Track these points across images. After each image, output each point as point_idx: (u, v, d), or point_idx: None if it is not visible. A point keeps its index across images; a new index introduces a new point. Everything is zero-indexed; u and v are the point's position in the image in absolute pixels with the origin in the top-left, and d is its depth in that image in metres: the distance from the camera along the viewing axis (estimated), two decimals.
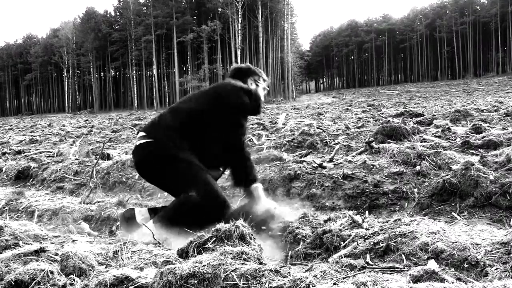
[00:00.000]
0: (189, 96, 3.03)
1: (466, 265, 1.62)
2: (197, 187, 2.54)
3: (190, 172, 2.61)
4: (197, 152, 2.69)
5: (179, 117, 2.75)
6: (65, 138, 11.27)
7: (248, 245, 1.81)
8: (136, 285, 1.55)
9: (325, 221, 2.53)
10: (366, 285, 1.37)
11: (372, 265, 1.75)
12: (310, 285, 1.36)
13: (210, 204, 2.54)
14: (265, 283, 1.40)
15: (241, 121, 2.84)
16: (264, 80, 3.19)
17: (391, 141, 4.69)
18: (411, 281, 1.43)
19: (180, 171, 2.62)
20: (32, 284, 1.56)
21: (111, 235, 3.08)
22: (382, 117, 9.98)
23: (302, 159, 4.23)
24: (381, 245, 1.88)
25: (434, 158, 3.49)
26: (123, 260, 1.96)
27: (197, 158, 2.68)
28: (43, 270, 1.62)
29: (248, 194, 2.88)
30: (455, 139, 4.68)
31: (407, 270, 1.59)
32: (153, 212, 2.85)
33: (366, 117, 10.78)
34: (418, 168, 3.36)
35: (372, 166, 3.52)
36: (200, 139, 2.71)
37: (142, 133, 2.77)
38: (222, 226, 1.92)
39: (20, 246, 2.20)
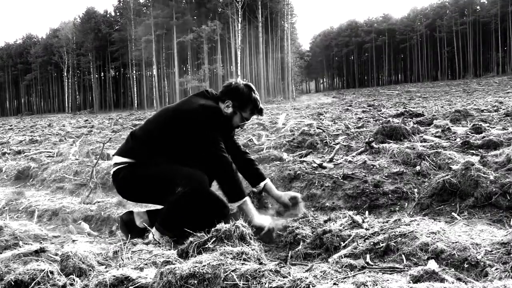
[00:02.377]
0: (157, 114, 2.80)
1: (466, 265, 1.62)
2: (175, 180, 2.52)
3: (163, 172, 2.60)
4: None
5: (146, 133, 2.69)
6: (65, 138, 11.26)
7: (248, 245, 1.81)
8: (136, 285, 1.55)
9: (325, 221, 2.53)
10: (366, 285, 1.37)
11: (372, 265, 1.75)
12: (310, 285, 1.36)
13: (191, 186, 2.50)
14: (265, 283, 1.40)
15: (213, 136, 2.58)
16: (250, 110, 2.74)
17: (391, 141, 4.69)
18: (411, 281, 1.43)
19: (155, 175, 2.60)
20: (32, 284, 1.56)
21: (111, 235, 3.08)
22: (382, 117, 9.97)
23: (302, 159, 4.23)
24: (381, 245, 1.88)
25: (434, 158, 3.49)
26: (123, 260, 1.96)
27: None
28: (43, 270, 1.62)
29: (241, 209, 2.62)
30: (455, 139, 4.68)
31: (407, 270, 1.59)
32: (152, 214, 2.84)
33: (366, 117, 10.78)
34: (418, 168, 3.36)
35: (372, 166, 3.52)
36: (173, 156, 2.65)
37: (116, 158, 2.73)
38: (222, 226, 1.92)
39: (20, 246, 2.20)
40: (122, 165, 2.68)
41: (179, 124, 2.61)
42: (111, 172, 2.76)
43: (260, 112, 2.80)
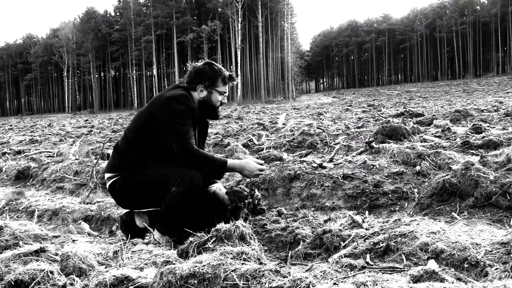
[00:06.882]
0: (133, 120, 2.79)
1: (466, 265, 1.62)
2: (169, 180, 2.52)
3: (156, 175, 2.59)
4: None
5: (127, 142, 2.70)
6: (65, 138, 11.27)
7: (248, 245, 1.81)
8: (136, 285, 1.55)
9: (325, 221, 2.53)
10: (366, 285, 1.37)
11: (372, 265, 1.75)
12: (310, 285, 1.36)
13: (185, 184, 2.50)
14: (265, 283, 1.40)
15: (184, 127, 2.55)
16: (222, 82, 2.74)
17: (391, 141, 4.69)
18: (411, 281, 1.43)
19: (149, 179, 2.60)
20: (32, 284, 1.56)
21: (111, 235, 3.08)
22: (382, 117, 9.97)
23: (302, 159, 4.23)
24: (381, 245, 1.88)
25: (434, 158, 3.49)
26: (123, 260, 1.96)
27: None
28: (43, 270, 1.62)
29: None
30: (455, 139, 4.68)
31: (407, 270, 1.59)
32: (152, 214, 2.84)
33: (366, 117, 10.79)
34: (418, 168, 3.36)
35: (372, 166, 3.52)
36: (155, 155, 2.64)
37: (107, 175, 2.75)
38: (222, 226, 1.92)
39: (20, 246, 2.20)
40: (115, 178, 2.69)
41: (154, 123, 2.60)
42: (107, 186, 2.76)
43: (231, 78, 2.77)
